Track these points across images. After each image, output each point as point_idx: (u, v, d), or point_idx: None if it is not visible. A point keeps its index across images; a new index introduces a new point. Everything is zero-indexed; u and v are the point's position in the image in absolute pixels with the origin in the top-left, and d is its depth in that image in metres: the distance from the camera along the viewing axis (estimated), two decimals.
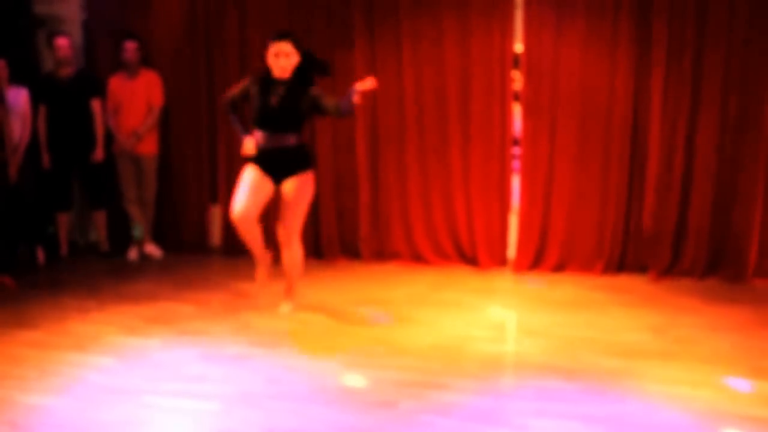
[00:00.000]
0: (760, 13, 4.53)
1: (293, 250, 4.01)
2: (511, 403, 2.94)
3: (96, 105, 5.37)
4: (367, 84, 3.63)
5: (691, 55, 4.64)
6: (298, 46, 3.78)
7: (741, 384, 3.08)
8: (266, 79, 3.82)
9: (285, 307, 4.15)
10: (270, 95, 3.77)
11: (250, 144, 3.86)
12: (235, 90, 3.96)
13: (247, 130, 3.91)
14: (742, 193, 4.71)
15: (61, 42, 5.26)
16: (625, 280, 4.82)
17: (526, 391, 3.06)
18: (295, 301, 4.17)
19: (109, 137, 5.45)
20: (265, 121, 3.79)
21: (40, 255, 5.32)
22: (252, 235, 3.94)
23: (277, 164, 3.83)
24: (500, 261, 5.18)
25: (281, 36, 3.77)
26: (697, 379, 3.12)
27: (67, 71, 5.33)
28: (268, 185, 3.88)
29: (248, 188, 3.82)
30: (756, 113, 4.61)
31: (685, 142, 4.74)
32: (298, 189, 3.85)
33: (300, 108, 3.77)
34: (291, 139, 3.81)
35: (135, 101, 5.38)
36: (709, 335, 3.71)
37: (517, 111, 5.14)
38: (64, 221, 5.55)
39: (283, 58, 3.73)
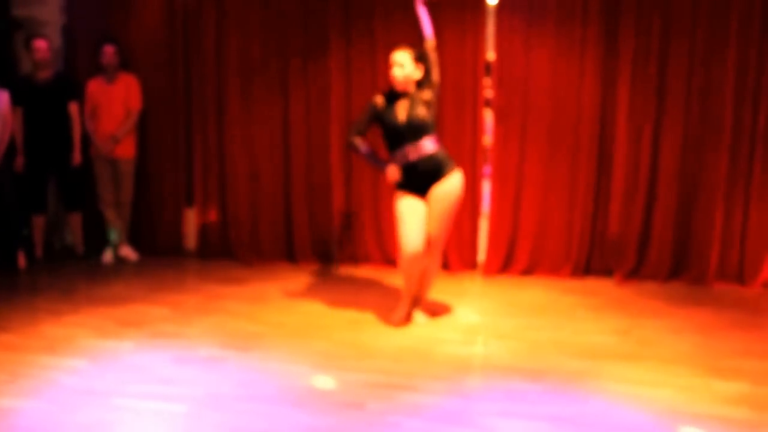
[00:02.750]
0: (720, 25, 4.66)
1: (437, 259, 3.96)
2: (478, 404, 2.99)
3: (74, 108, 5.35)
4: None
5: (655, 64, 4.76)
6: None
7: (700, 384, 3.16)
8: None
9: (420, 317, 4.06)
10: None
11: (394, 171, 3.83)
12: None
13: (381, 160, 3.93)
14: (703, 199, 4.83)
15: (39, 44, 5.23)
16: (591, 284, 4.91)
17: (493, 393, 3.10)
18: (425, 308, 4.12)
19: (86, 140, 5.44)
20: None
21: (21, 259, 5.28)
22: (416, 272, 3.88)
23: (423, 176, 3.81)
24: (470, 264, 5.25)
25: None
26: (659, 380, 3.20)
27: (44, 74, 5.31)
28: (423, 207, 3.83)
29: (414, 221, 3.77)
30: (716, 122, 4.74)
31: (650, 149, 4.85)
32: (450, 193, 3.81)
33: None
34: (431, 146, 3.80)
35: (113, 105, 5.38)
36: (671, 337, 3.80)
37: (488, 117, 5.22)
38: (39, 224, 5.52)
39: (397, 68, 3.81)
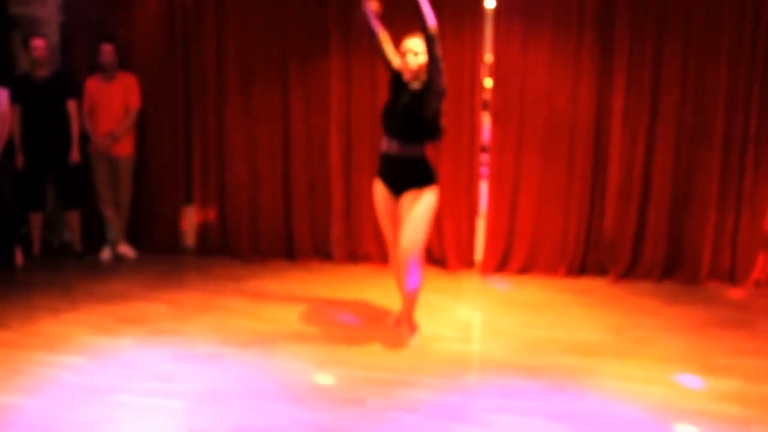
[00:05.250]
0: (712, 31, 4.72)
1: (411, 273, 3.53)
2: (475, 400, 3.03)
3: (72, 106, 5.36)
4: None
5: (649, 68, 4.81)
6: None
7: (693, 381, 3.22)
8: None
9: (411, 339, 3.70)
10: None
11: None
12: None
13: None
14: (696, 200, 4.89)
15: (37, 43, 5.23)
16: (586, 283, 4.95)
17: (490, 389, 3.15)
18: (412, 329, 3.75)
19: (85, 138, 5.45)
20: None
21: (19, 257, 5.29)
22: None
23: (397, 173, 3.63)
24: (468, 263, 5.29)
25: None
26: (653, 377, 3.25)
27: (42, 72, 5.31)
28: (392, 204, 3.69)
29: (388, 220, 3.70)
30: (709, 124, 4.80)
31: (644, 151, 4.90)
32: (422, 204, 3.54)
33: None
34: (416, 149, 3.57)
35: (111, 104, 5.38)
36: (665, 335, 3.85)
37: (485, 119, 5.26)
38: (37, 221, 5.53)
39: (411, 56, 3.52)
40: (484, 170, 5.27)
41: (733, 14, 4.68)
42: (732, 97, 4.75)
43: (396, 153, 3.57)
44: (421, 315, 4.14)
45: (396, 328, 3.84)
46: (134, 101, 5.45)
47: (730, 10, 4.67)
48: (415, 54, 3.52)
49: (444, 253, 5.26)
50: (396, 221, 3.67)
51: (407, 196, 3.56)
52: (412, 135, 3.53)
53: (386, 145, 3.61)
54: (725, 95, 4.74)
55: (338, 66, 5.27)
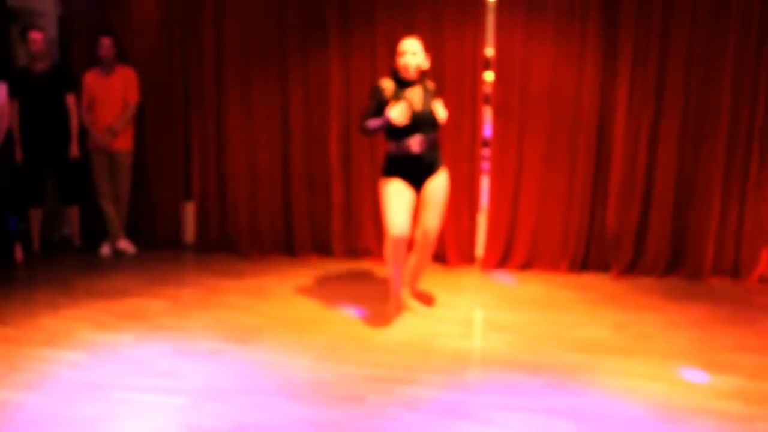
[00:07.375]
0: (719, 23, 4.68)
1: (431, 251, 4.02)
2: (476, 397, 3.01)
3: (71, 100, 5.34)
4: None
5: (655, 63, 4.78)
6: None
7: (696, 377, 3.20)
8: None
9: (416, 305, 4.14)
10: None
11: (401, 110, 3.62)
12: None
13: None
14: (699, 196, 4.86)
15: (35, 36, 5.21)
16: (588, 279, 4.93)
17: (491, 386, 3.13)
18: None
19: (84, 133, 5.43)
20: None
21: (18, 252, 5.27)
22: (402, 258, 3.82)
23: (422, 168, 3.81)
24: (468, 259, 5.27)
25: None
26: (656, 374, 3.24)
27: (41, 65, 5.29)
28: (413, 196, 3.83)
29: (403, 204, 3.72)
30: (714, 118, 4.77)
31: (647, 146, 4.88)
32: (444, 187, 3.91)
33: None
34: (436, 136, 3.87)
35: (110, 97, 5.37)
36: (668, 331, 3.84)
37: (487, 113, 5.24)
38: (36, 216, 5.52)
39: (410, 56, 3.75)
40: (486, 165, 5.25)
41: (739, 7, 4.63)
42: (738, 90, 4.72)
43: (424, 148, 3.76)
44: (421, 311, 4.15)
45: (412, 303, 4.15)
46: (133, 95, 5.43)
47: (738, 2, 4.63)
48: (414, 53, 3.75)
49: (444, 248, 5.23)
50: (415, 207, 3.85)
51: (431, 183, 3.83)
52: (436, 124, 3.81)
53: (409, 146, 3.74)
54: (731, 89, 4.71)
55: (338, 60, 5.24)
